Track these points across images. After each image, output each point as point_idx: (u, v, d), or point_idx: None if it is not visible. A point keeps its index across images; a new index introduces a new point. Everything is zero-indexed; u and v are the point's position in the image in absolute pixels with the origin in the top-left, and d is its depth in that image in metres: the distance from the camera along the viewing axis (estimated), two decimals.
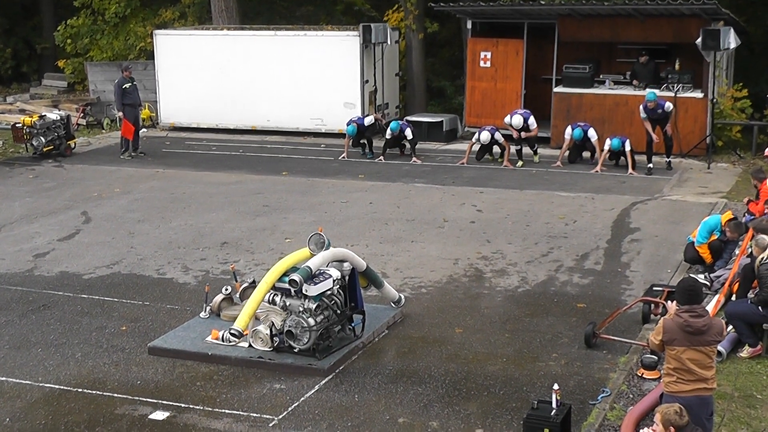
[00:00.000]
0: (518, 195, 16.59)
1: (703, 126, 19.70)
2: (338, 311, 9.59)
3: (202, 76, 23.28)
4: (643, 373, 9.00)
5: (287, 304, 9.36)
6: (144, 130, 22.64)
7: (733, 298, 10.16)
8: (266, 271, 9.80)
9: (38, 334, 10.33)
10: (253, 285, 10.31)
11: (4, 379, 9.18)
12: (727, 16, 19.63)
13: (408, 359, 9.52)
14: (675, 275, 11.91)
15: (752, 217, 12.90)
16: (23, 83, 31.85)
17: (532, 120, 19.12)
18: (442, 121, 22.10)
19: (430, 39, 25.93)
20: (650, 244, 13.43)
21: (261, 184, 17.79)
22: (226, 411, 8.43)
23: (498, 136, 19.08)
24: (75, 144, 21.47)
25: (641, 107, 18.18)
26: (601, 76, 21.21)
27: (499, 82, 21.77)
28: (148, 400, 8.66)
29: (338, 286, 9.61)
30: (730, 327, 9.53)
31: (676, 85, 19.82)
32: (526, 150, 19.39)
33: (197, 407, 8.51)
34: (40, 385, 9.03)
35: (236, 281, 10.92)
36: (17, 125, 20.86)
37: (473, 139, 19.43)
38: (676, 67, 20.38)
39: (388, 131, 19.79)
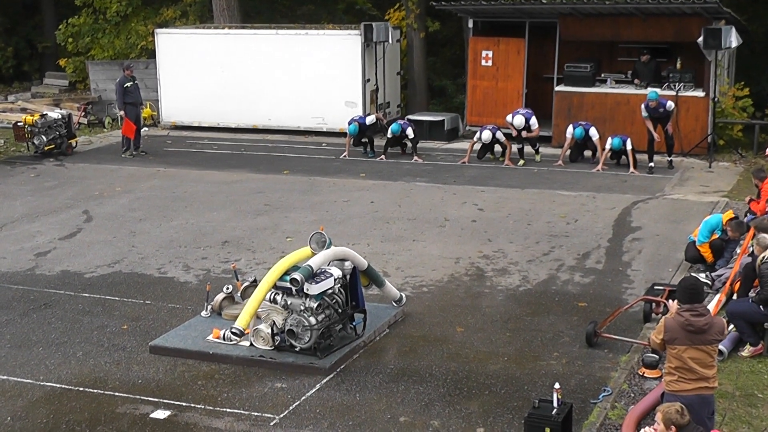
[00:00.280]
0: (519, 194, 16.58)
1: (704, 125, 19.69)
2: (339, 310, 9.58)
3: (204, 75, 23.27)
4: (644, 372, 9.00)
5: (288, 302, 9.36)
6: (145, 128, 22.62)
7: (735, 297, 10.15)
8: (267, 270, 9.81)
9: (39, 332, 10.33)
10: (255, 284, 10.33)
11: (5, 377, 9.18)
12: (728, 14, 19.63)
13: (409, 358, 9.52)
14: (676, 274, 11.91)
15: (753, 216, 12.91)
16: (24, 82, 31.83)
17: (534, 120, 19.11)
18: (443, 120, 22.09)
19: (432, 38, 25.91)
20: (651, 243, 13.42)
21: (262, 183, 17.78)
22: (227, 410, 8.43)
23: (499, 135, 19.11)
24: (76, 143, 21.47)
25: (643, 106, 18.18)
26: (602, 75, 21.19)
27: (501, 81, 21.76)
28: (150, 399, 8.66)
29: (339, 285, 9.60)
30: (732, 326, 9.53)
31: (677, 84, 19.81)
32: (528, 149, 19.40)
33: (198, 406, 8.51)
34: (42, 383, 9.03)
35: (237, 280, 10.93)
36: (19, 124, 20.85)
37: (474, 138, 19.44)
38: (678, 66, 20.38)
39: (389, 132, 19.79)
